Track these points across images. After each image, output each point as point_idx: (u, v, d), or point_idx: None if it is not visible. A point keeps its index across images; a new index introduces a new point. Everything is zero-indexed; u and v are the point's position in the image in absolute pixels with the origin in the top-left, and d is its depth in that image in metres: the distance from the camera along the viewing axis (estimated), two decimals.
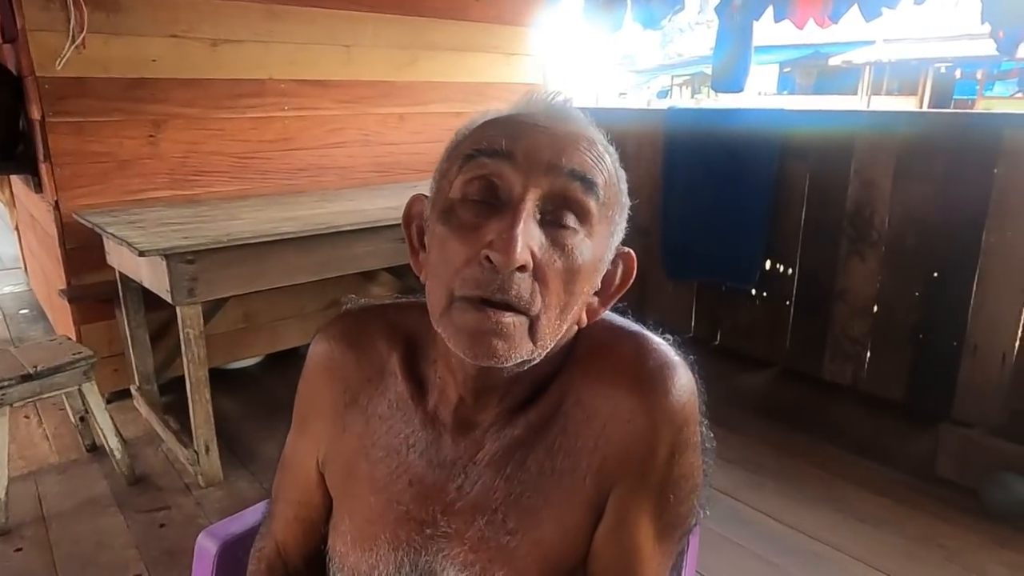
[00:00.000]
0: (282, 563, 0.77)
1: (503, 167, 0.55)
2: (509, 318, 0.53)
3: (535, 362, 0.59)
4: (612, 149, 0.62)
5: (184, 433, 2.25)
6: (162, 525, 1.93)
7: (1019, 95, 11.43)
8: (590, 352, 0.64)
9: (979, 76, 11.95)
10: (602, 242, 0.59)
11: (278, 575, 0.76)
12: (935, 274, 2.41)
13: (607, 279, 0.63)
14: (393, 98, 3.22)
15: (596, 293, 0.62)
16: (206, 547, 0.89)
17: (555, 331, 0.57)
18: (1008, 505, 1.92)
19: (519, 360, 0.56)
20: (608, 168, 0.59)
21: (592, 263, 0.58)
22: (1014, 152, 2.15)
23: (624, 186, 0.62)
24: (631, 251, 0.65)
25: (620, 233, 0.62)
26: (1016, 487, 1.90)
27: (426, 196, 0.65)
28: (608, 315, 0.67)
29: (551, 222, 0.55)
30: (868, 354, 2.61)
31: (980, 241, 2.24)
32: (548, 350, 0.58)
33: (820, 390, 2.75)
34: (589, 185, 0.56)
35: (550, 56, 3.87)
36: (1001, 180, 2.18)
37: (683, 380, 0.61)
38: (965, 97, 11.89)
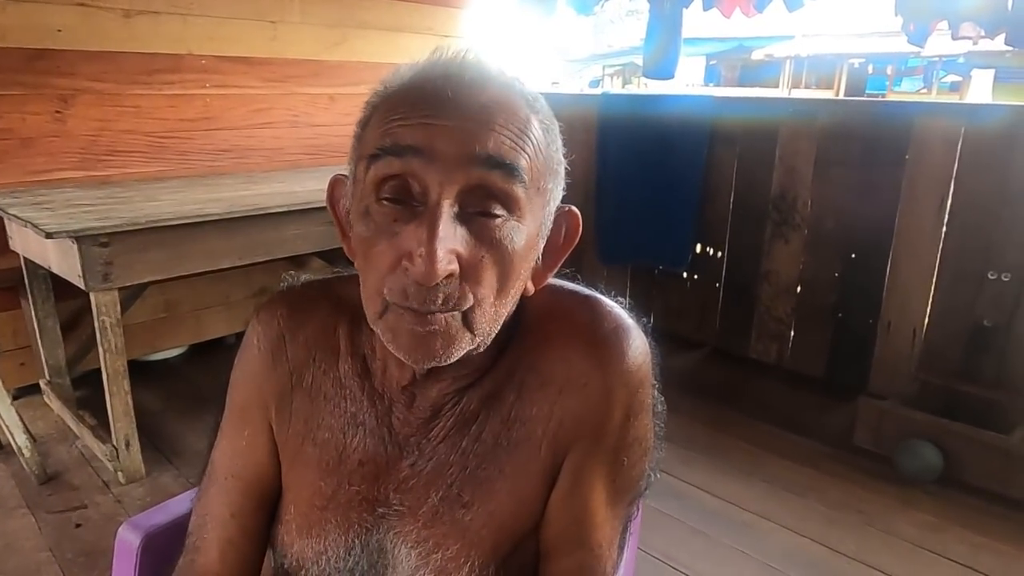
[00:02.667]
0: None
1: (412, 165, 0.50)
2: (442, 318, 0.52)
3: (480, 349, 0.57)
4: (540, 104, 0.56)
5: (101, 428, 2.11)
6: (78, 525, 1.82)
7: (924, 91, 12.17)
8: (543, 317, 0.63)
9: (889, 72, 12.65)
10: (536, 216, 0.55)
11: None
12: (853, 255, 2.54)
13: (551, 242, 0.60)
14: (323, 78, 3.11)
15: (540, 256, 0.60)
16: (128, 540, 0.84)
17: (494, 317, 0.55)
18: (919, 470, 2.05)
19: (461, 354, 0.54)
20: (534, 138, 0.53)
21: (527, 244, 0.54)
22: (923, 139, 2.27)
23: (557, 145, 0.57)
24: (573, 209, 0.61)
25: (557, 197, 0.59)
26: (926, 453, 2.03)
27: (346, 177, 0.60)
28: (558, 280, 0.66)
29: (476, 214, 0.51)
30: (792, 333, 2.72)
31: (893, 223, 2.37)
32: (493, 334, 0.56)
33: (747, 368, 2.85)
34: (510, 171, 0.51)
35: (484, 40, 3.84)
36: (912, 165, 2.31)
37: (637, 343, 0.61)
38: (876, 92, 12.57)
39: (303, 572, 0.64)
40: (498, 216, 0.52)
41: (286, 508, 0.66)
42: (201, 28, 2.69)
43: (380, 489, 0.62)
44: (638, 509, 0.67)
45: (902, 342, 2.38)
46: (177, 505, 0.87)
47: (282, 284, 0.72)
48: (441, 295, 0.50)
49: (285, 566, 0.65)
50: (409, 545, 0.61)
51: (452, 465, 0.61)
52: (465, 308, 0.52)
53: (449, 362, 0.54)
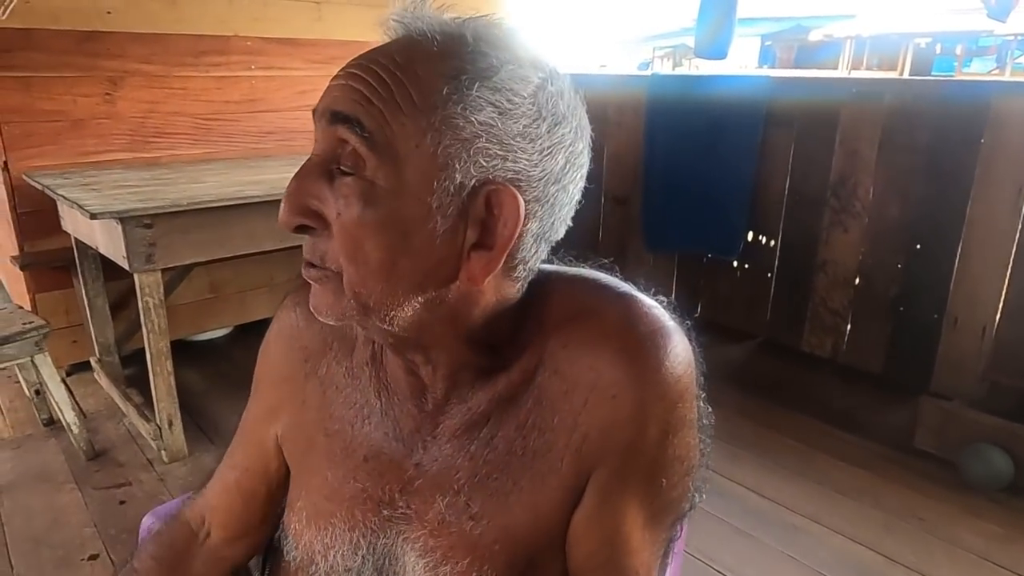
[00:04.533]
0: (194, 534, 0.72)
1: (315, 122, 0.52)
2: (313, 274, 0.52)
3: (401, 327, 0.51)
4: (483, 57, 0.48)
5: (147, 407, 2.15)
6: (122, 502, 1.85)
7: (996, 71, 11.48)
8: (570, 315, 0.56)
9: (958, 52, 11.97)
10: (418, 182, 0.47)
11: (182, 546, 0.71)
12: (917, 246, 2.39)
13: (489, 225, 0.49)
14: None
15: (480, 245, 0.50)
16: (152, 529, 0.82)
17: (383, 292, 0.49)
18: (986, 477, 1.92)
19: (347, 317, 0.52)
20: (414, 90, 0.47)
21: (387, 213, 0.47)
22: (1001, 121, 2.11)
23: (495, 108, 0.47)
24: (507, 186, 0.49)
25: (477, 169, 0.48)
26: (994, 459, 1.90)
27: None
28: (594, 273, 0.59)
29: (338, 171, 0.49)
30: (848, 326, 2.59)
31: (964, 212, 2.21)
32: (400, 311, 0.50)
33: (799, 362, 2.73)
34: (350, 124, 0.47)
35: (531, 21, 3.76)
36: (987, 150, 2.14)
37: (678, 348, 0.54)
38: (943, 73, 11.91)
39: (313, 566, 0.62)
40: (347, 174, 0.49)
41: (298, 494, 0.65)
42: (247, 10, 2.69)
43: (385, 489, 0.59)
44: (681, 529, 0.60)
45: (970, 339, 2.23)
46: None
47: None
48: (307, 246, 0.51)
49: (297, 558, 0.64)
50: (417, 553, 0.58)
51: (459, 469, 0.57)
52: (333, 268, 0.50)
53: (331, 319, 0.53)
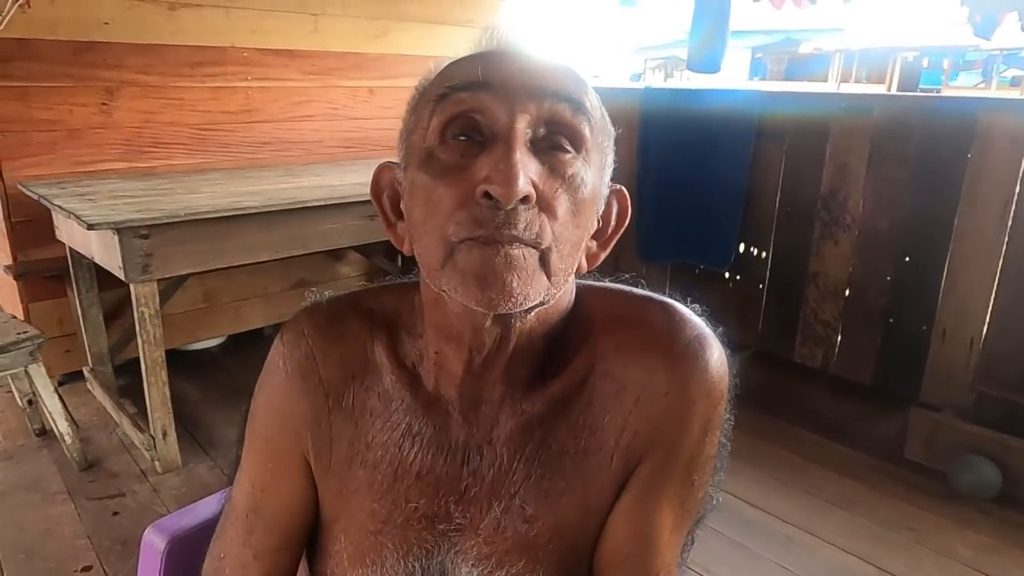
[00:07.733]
0: None
1: (483, 98, 0.49)
2: (519, 250, 0.48)
3: (547, 305, 0.53)
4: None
5: (140, 417, 2.15)
6: (115, 513, 1.85)
7: (982, 85, 11.64)
8: (616, 321, 0.59)
9: (945, 66, 12.13)
10: (598, 172, 0.54)
11: None
12: (906, 258, 2.42)
13: (603, 220, 0.58)
14: (363, 71, 3.11)
15: (594, 236, 0.57)
16: (153, 543, 0.82)
17: (567, 267, 0.52)
18: (975, 487, 1.94)
19: (536, 300, 0.50)
20: (592, 92, 0.54)
21: (593, 193, 0.53)
22: (987, 136, 2.15)
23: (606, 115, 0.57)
24: (622, 188, 0.60)
25: (611, 165, 0.57)
26: (983, 469, 1.92)
27: (395, 163, 0.58)
28: (627, 287, 0.63)
29: (546, 149, 0.50)
30: (839, 338, 2.61)
31: (952, 225, 2.25)
32: (559, 293, 0.53)
33: (791, 373, 2.76)
34: (578, 106, 0.51)
35: (526, 32, 3.79)
36: (974, 164, 2.18)
37: (717, 354, 0.58)
38: (931, 86, 12.06)
39: None
40: (568, 152, 0.51)
41: (334, 539, 0.62)
42: (244, 21, 2.70)
43: (441, 503, 0.58)
44: (693, 540, 0.62)
45: (958, 351, 2.26)
46: (204, 508, 0.85)
47: (305, 302, 0.67)
48: (521, 221, 0.47)
49: None
50: (471, 563, 0.57)
51: (515, 473, 0.57)
52: (544, 245, 0.49)
53: (524, 305, 0.49)
